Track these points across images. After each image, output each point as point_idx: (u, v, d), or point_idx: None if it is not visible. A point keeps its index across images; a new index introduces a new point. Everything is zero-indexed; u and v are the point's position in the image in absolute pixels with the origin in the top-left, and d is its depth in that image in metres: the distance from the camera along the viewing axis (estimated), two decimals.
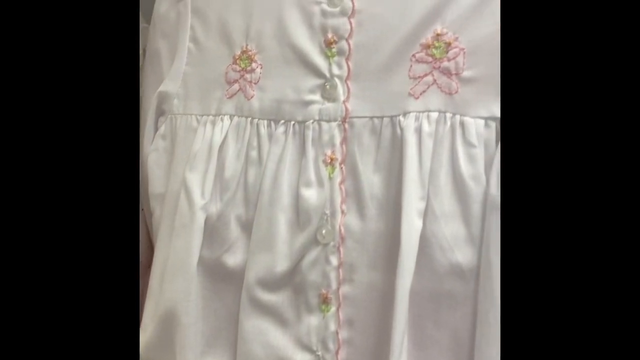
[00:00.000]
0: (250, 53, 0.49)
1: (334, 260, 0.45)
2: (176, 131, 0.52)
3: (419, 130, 0.42)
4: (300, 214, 0.46)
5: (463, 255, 0.41)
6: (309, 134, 0.46)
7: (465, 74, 0.42)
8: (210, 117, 0.50)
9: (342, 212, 0.45)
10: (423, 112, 0.42)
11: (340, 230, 0.45)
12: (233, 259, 0.48)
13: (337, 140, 0.45)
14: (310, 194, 0.45)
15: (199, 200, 0.48)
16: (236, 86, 0.50)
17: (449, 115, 0.42)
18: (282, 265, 0.45)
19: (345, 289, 0.45)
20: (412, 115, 0.43)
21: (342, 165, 0.45)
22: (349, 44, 0.45)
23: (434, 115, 0.42)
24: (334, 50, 0.46)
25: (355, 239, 0.45)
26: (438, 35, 0.42)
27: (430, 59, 0.43)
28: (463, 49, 0.42)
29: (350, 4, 0.45)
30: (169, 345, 0.48)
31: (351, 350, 0.46)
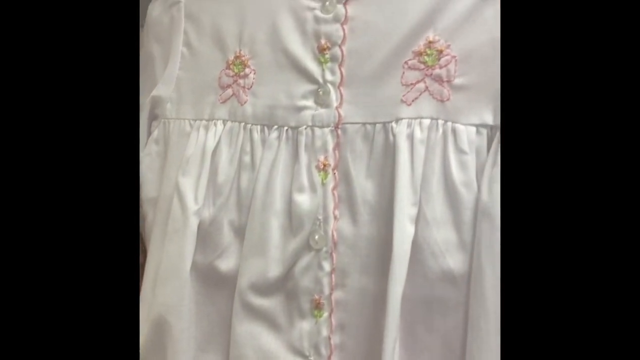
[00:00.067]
0: (243, 58, 0.49)
1: (327, 266, 0.46)
2: (169, 135, 0.53)
3: (411, 137, 0.42)
4: (293, 219, 0.46)
5: (454, 261, 0.41)
6: (302, 139, 0.46)
7: (457, 81, 0.42)
8: (204, 122, 0.50)
9: (335, 217, 0.45)
10: (415, 118, 0.43)
11: (332, 235, 0.45)
12: (226, 264, 0.48)
13: (330, 146, 0.46)
14: (303, 200, 0.45)
15: (192, 205, 0.48)
16: (229, 91, 0.50)
17: (440, 122, 0.42)
18: (274, 270, 0.46)
19: (337, 295, 0.46)
20: (405, 121, 0.43)
21: (335, 171, 0.46)
22: (341, 51, 0.45)
23: (426, 122, 0.42)
24: (327, 56, 0.46)
25: (348, 244, 0.45)
26: (430, 42, 0.43)
27: (422, 66, 0.43)
28: (455, 57, 0.42)
29: (343, 11, 0.45)
30: (162, 349, 0.48)
31: (343, 355, 0.46)
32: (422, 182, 0.42)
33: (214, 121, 0.50)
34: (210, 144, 0.49)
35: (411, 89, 0.43)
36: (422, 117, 0.43)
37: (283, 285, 0.47)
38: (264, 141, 0.47)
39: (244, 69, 0.49)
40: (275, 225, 0.46)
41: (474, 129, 0.41)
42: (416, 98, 0.43)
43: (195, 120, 0.51)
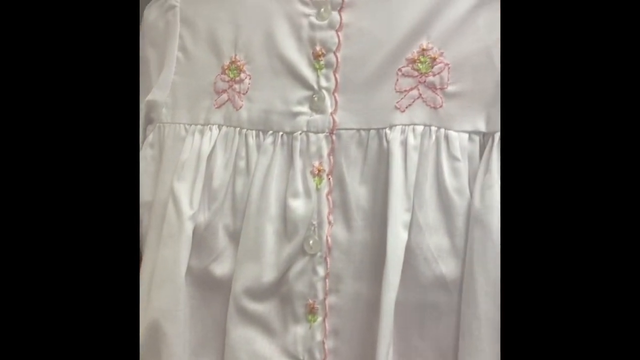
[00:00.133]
0: (239, 63, 0.49)
1: (321, 271, 0.46)
2: (164, 140, 0.53)
3: (404, 143, 0.43)
4: (287, 224, 0.46)
5: (447, 267, 0.42)
6: (297, 145, 0.46)
7: (450, 88, 0.43)
8: (199, 127, 0.50)
9: (329, 222, 0.46)
10: (409, 125, 0.43)
11: (327, 240, 0.46)
12: (221, 269, 0.48)
13: (325, 151, 0.46)
14: (298, 205, 0.46)
15: (187, 210, 0.48)
16: (225, 96, 0.50)
17: (434, 128, 0.43)
18: (269, 275, 0.46)
19: (331, 299, 0.46)
20: (398, 128, 0.43)
21: (330, 177, 0.46)
22: (336, 57, 0.46)
23: (419, 128, 0.43)
24: (322, 62, 0.46)
25: (342, 249, 0.45)
26: (423, 50, 0.43)
27: (415, 73, 0.43)
28: (448, 64, 0.43)
29: (338, 18, 0.46)
30: (156, 354, 0.48)
31: None
32: (415, 188, 0.42)
33: (209, 126, 0.50)
34: (206, 149, 0.49)
35: (405, 95, 0.44)
36: (415, 124, 0.43)
37: (277, 290, 0.47)
38: (259, 146, 0.48)
39: (239, 74, 0.49)
40: (270, 230, 0.46)
41: (466, 135, 0.42)
42: (410, 105, 0.43)
43: (191, 124, 0.51)
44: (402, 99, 0.44)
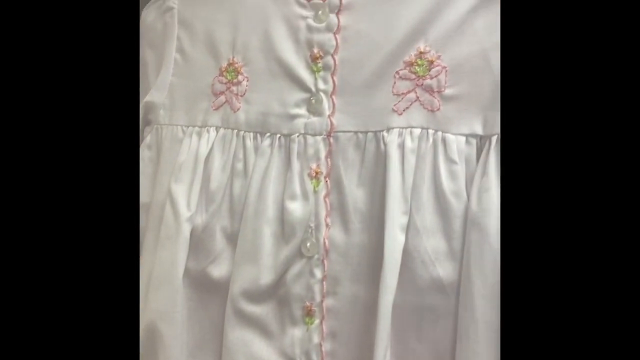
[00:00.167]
0: (236, 65, 0.49)
1: (318, 273, 0.46)
2: (162, 141, 0.53)
3: (402, 146, 0.43)
4: (285, 226, 0.46)
5: (444, 270, 0.42)
6: (295, 147, 0.46)
7: (447, 91, 0.43)
8: (196, 129, 0.50)
9: (327, 225, 0.46)
10: (406, 128, 0.43)
11: (324, 243, 0.46)
12: (218, 271, 0.48)
13: (322, 154, 0.46)
14: (295, 207, 0.46)
15: (184, 212, 0.48)
16: (222, 98, 0.50)
17: (431, 131, 0.43)
18: (266, 277, 0.46)
19: (329, 302, 0.46)
20: (396, 131, 0.43)
21: (327, 179, 0.46)
22: (334, 60, 0.46)
23: (417, 131, 0.43)
24: (319, 65, 0.46)
25: (340, 252, 0.45)
26: (421, 53, 0.43)
27: (413, 76, 0.44)
28: (445, 67, 0.43)
29: (335, 20, 0.46)
30: (153, 355, 0.48)
31: None
32: (412, 191, 0.42)
33: (206, 128, 0.50)
34: (203, 151, 0.49)
35: (402, 98, 0.44)
36: (412, 127, 0.43)
37: (275, 292, 0.47)
38: (256, 148, 0.48)
39: (237, 76, 0.49)
40: (268, 232, 0.46)
41: (463, 138, 0.42)
42: (407, 108, 0.43)
43: (188, 126, 0.51)
44: (399, 101, 0.44)
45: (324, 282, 0.46)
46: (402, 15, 0.43)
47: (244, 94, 0.49)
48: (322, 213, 0.46)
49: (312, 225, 0.46)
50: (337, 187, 0.45)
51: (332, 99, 0.46)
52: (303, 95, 0.47)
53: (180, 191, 0.49)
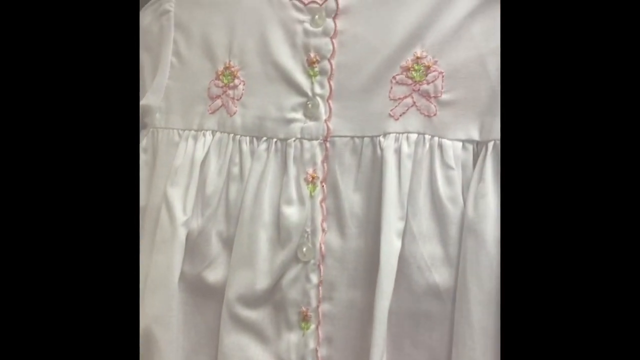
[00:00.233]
0: (233, 69, 0.49)
1: (314, 278, 0.46)
2: (158, 145, 0.52)
3: (398, 151, 0.43)
4: (281, 231, 0.46)
5: (440, 276, 0.42)
6: (291, 151, 0.46)
7: (444, 97, 0.43)
8: (192, 132, 0.50)
9: (323, 230, 0.46)
10: (402, 133, 0.43)
11: (320, 248, 0.46)
12: (214, 275, 0.48)
13: (319, 158, 0.46)
14: (292, 212, 0.46)
15: (180, 216, 0.48)
16: (219, 102, 0.50)
17: (427, 137, 0.43)
18: (262, 282, 0.46)
19: (325, 307, 0.46)
20: (392, 136, 0.43)
21: (324, 184, 0.46)
22: (331, 64, 0.46)
23: (413, 136, 0.43)
24: (316, 69, 0.46)
25: (336, 257, 0.45)
26: (418, 58, 0.43)
27: (410, 81, 0.43)
28: (442, 73, 0.43)
29: (332, 25, 0.46)
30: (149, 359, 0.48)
31: None
32: (409, 196, 0.42)
33: (202, 132, 0.50)
34: (199, 155, 0.49)
35: (399, 103, 0.44)
36: (409, 132, 0.43)
37: (271, 297, 0.47)
38: (252, 152, 0.48)
39: (234, 79, 0.49)
40: (264, 237, 0.46)
41: (460, 144, 0.42)
42: (404, 113, 0.43)
43: (184, 130, 0.51)
44: (396, 106, 0.44)
45: (320, 287, 0.46)
46: (399, 20, 0.43)
47: (240, 97, 0.49)
48: (319, 218, 0.46)
49: (308, 230, 0.46)
50: (334, 192, 0.45)
51: (329, 104, 0.46)
52: (299, 99, 0.47)
53: (176, 195, 0.49)
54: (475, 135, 0.42)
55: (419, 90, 0.43)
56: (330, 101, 0.46)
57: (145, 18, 0.55)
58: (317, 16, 0.46)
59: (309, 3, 0.46)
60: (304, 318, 0.46)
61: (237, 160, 0.48)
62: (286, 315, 0.46)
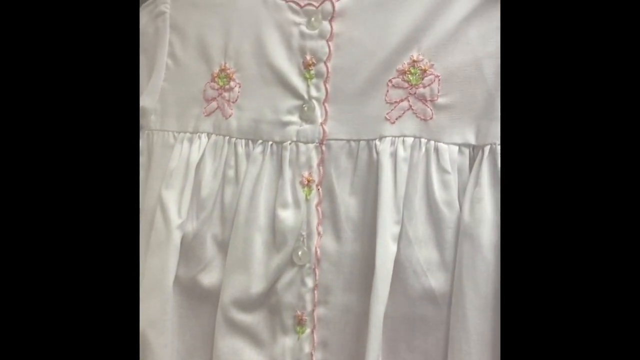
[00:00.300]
0: (228, 71, 0.49)
1: (310, 282, 0.46)
2: (153, 147, 0.52)
3: (394, 155, 0.43)
4: (276, 234, 0.46)
5: (436, 280, 0.41)
6: (287, 154, 0.46)
7: (440, 100, 0.42)
8: (188, 135, 0.50)
9: (319, 233, 0.45)
10: (398, 137, 0.43)
11: (316, 252, 0.45)
12: (209, 278, 0.48)
13: (314, 162, 0.46)
14: (287, 215, 0.45)
15: (175, 219, 0.48)
16: (214, 104, 0.50)
17: (423, 140, 0.42)
18: (257, 286, 0.45)
19: (320, 311, 0.46)
20: (388, 139, 0.43)
21: (319, 187, 0.46)
22: (327, 67, 0.45)
23: (409, 140, 0.43)
24: (312, 72, 0.46)
25: (331, 261, 0.45)
26: (414, 61, 0.43)
27: (406, 84, 0.43)
28: (438, 76, 0.42)
29: (328, 27, 0.45)
30: None
31: None
32: (404, 200, 0.42)
33: (198, 134, 0.50)
34: (195, 157, 0.49)
35: (395, 107, 0.44)
36: (405, 136, 0.43)
37: (266, 301, 0.47)
38: (248, 155, 0.47)
39: (229, 82, 0.49)
40: (259, 240, 0.46)
41: (456, 148, 0.42)
42: (400, 116, 0.43)
43: (179, 132, 0.51)
44: (392, 110, 0.44)
45: (315, 291, 0.46)
46: (396, 23, 0.43)
47: (236, 100, 0.48)
48: (314, 221, 0.45)
49: (304, 233, 0.45)
50: (329, 195, 0.45)
51: (325, 107, 0.46)
52: (295, 102, 0.46)
53: (171, 198, 0.48)
54: (471, 139, 0.41)
55: (415, 93, 0.43)
56: (326, 104, 0.46)
57: (141, 19, 0.55)
58: (313, 18, 0.46)
59: (305, 5, 0.46)
60: (299, 322, 0.46)
61: (232, 163, 0.48)
62: (281, 319, 0.46)
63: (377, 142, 0.43)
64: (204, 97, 0.50)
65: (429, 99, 0.43)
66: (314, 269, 0.45)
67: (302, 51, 0.46)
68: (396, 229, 0.42)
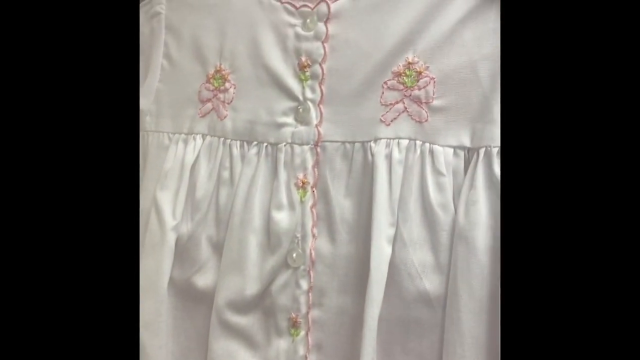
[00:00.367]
0: (223, 72, 0.49)
1: (304, 284, 0.45)
2: (148, 148, 0.52)
3: (389, 157, 0.42)
4: (271, 236, 0.46)
5: (430, 283, 0.41)
6: (282, 156, 0.46)
7: (435, 103, 0.42)
8: (183, 136, 0.50)
9: (313, 235, 0.45)
10: (394, 139, 0.43)
11: (310, 254, 0.45)
12: (203, 280, 0.48)
13: (309, 163, 0.45)
14: (282, 217, 0.45)
15: (170, 220, 0.47)
16: (209, 105, 0.49)
17: (418, 143, 0.42)
18: (252, 288, 0.45)
19: (314, 314, 0.46)
20: (383, 141, 0.43)
21: (314, 189, 0.45)
22: (322, 68, 0.45)
23: (404, 142, 0.43)
24: (307, 73, 0.46)
25: (326, 263, 0.45)
26: (409, 63, 0.43)
27: (401, 86, 0.43)
28: (433, 78, 0.42)
29: (324, 29, 0.45)
30: None
31: None
32: (399, 202, 0.42)
33: (193, 135, 0.49)
34: (189, 159, 0.49)
35: (390, 109, 0.43)
36: (400, 138, 0.43)
37: (260, 303, 0.46)
38: (243, 157, 0.47)
39: (224, 83, 0.49)
40: (254, 242, 0.45)
41: (451, 150, 0.42)
42: (395, 118, 0.43)
43: (174, 133, 0.50)
44: (387, 112, 0.43)
45: (310, 294, 0.45)
46: (391, 25, 0.43)
47: (231, 101, 0.48)
48: (309, 223, 0.45)
49: (299, 235, 0.45)
50: (324, 197, 0.45)
51: (320, 108, 0.45)
52: (291, 103, 0.46)
53: (165, 199, 0.48)
54: (466, 141, 0.41)
55: (410, 95, 0.43)
56: (321, 106, 0.45)
57: None
58: (308, 20, 0.46)
59: (301, 7, 0.46)
60: (294, 324, 0.46)
61: (227, 164, 0.48)
62: (276, 321, 0.46)
63: (372, 144, 0.43)
64: (199, 98, 0.50)
65: (424, 101, 0.43)
66: (309, 271, 0.45)
67: (298, 53, 0.46)
68: (391, 232, 0.42)
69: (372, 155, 0.43)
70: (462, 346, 0.39)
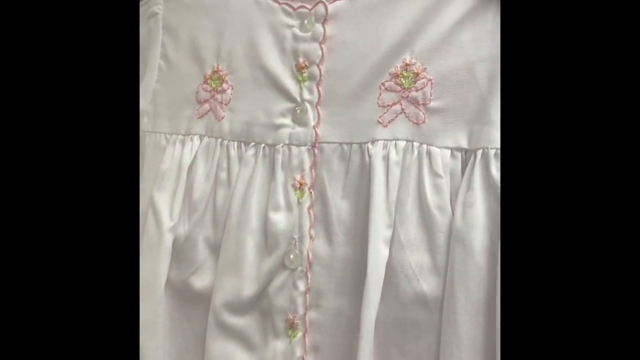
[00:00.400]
0: (221, 73, 0.49)
1: (301, 285, 0.45)
2: (145, 149, 0.52)
3: (386, 159, 0.42)
4: (268, 237, 0.46)
5: (427, 285, 0.41)
6: (279, 157, 0.46)
7: (433, 104, 0.42)
8: (180, 137, 0.50)
9: (311, 237, 0.45)
10: (391, 140, 0.43)
11: (308, 255, 0.45)
12: (201, 281, 0.48)
13: (307, 165, 0.45)
14: (279, 218, 0.45)
15: (167, 221, 0.47)
16: (207, 106, 0.49)
17: (416, 144, 0.42)
18: (249, 289, 0.45)
19: (312, 315, 0.46)
20: (380, 143, 0.43)
21: (311, 190, 0.45)
22: (319, 70, 0.45)
23: (402, 144, 0.43)
24: (305, 75, 0.46)
25: (323, 264, 0.45)
26: (407, 65, 0.43)
27: (398, 88, 0.43)
28: (430, 80, 0.42)
29: (321, 30, 0.45)
30: None
31: None
32: (396, 204, 0.42)
33: (190, 136, 0.49)
34: (187, 159, 0.49)
35: (387, 110, 0.43)
36: (397, 139, 0.43)
37: (257, 304, 0.46)
38: (240, 158, 0.47)
39: (222, 84, 0.49)
40: (251, 243, 0.45)
41: (448, 152, 0.42)
42: (392, 120, 0.43)
43: (172, 134, 0.50)
44: (384, 113, 0.43)
45: (307, 295, 0.45)
46: (389, 26, 0.43)
47: (229, 102, 0.48)
48: (306, 225, 0.45)
49: (296, 236, 0.45)
50: (321, 198, 0.45)
51: (317, 109, 0.45)
52: (288, 105, 0.46)
53: (162, 200, 0.48)
54: (463, 143, 0.41)
55: (407, 97, 0.43)
56: (318, 107, 0.45)
57: None
58: (306, 21, 0.46)
59: (298, 8, 0.46)
60: (291, 326, 0.46)
61: (224, 165, 0.48)
62: (273, 323, 0.46)
63: (370, 145, 0.43)
64: (196, 99, 0.50)
65: (421, 102, 0.43)
66: (306, 273, 0.45)
67: (295, 54, 0.46)
68: (388, 233, 0.42)
69: (370, 156, 0.43)
70: (459, 348, 0.39)
